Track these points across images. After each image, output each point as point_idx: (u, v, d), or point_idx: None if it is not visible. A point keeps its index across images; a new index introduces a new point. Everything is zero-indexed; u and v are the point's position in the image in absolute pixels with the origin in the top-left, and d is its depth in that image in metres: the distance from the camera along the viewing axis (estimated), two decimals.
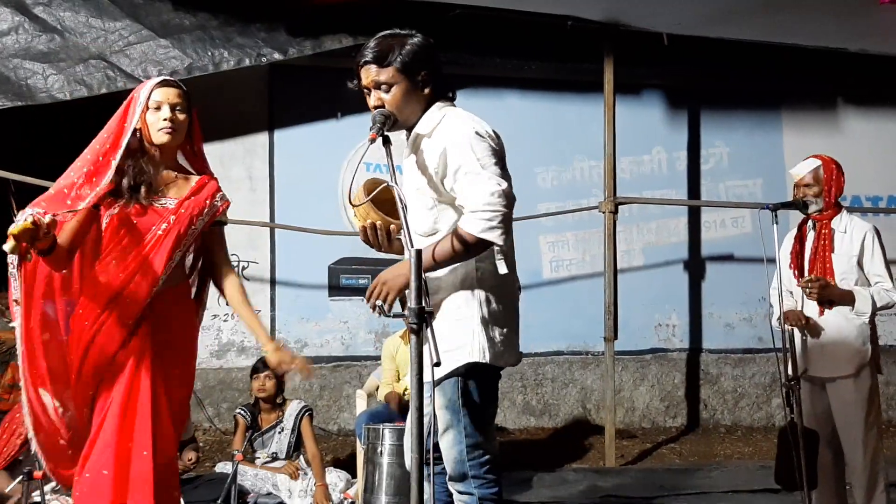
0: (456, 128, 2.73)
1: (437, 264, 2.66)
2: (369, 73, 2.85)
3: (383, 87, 2.80)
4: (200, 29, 5.97)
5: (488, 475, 2.77)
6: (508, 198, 2.62)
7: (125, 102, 2.99)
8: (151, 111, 2.97)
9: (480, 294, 2.75)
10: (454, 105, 2.88)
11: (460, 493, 2.80)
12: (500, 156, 2.75)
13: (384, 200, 2.69)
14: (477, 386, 2.76)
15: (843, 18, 5.96)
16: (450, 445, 2.78)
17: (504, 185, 2.63)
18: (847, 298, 3.86)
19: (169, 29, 5.91)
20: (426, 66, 2.81)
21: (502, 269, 2.74)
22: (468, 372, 2.73)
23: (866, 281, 3.91)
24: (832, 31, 6.31)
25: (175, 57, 5.92)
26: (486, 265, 2.75)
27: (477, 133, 2.72)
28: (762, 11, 5.93)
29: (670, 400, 7.57)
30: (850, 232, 3.92)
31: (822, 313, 3.93)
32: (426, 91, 2.80)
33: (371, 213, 2.70)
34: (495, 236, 2.59)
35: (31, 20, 5.65)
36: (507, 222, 2.62)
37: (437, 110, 2.81)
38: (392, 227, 2.70)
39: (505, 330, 2.81)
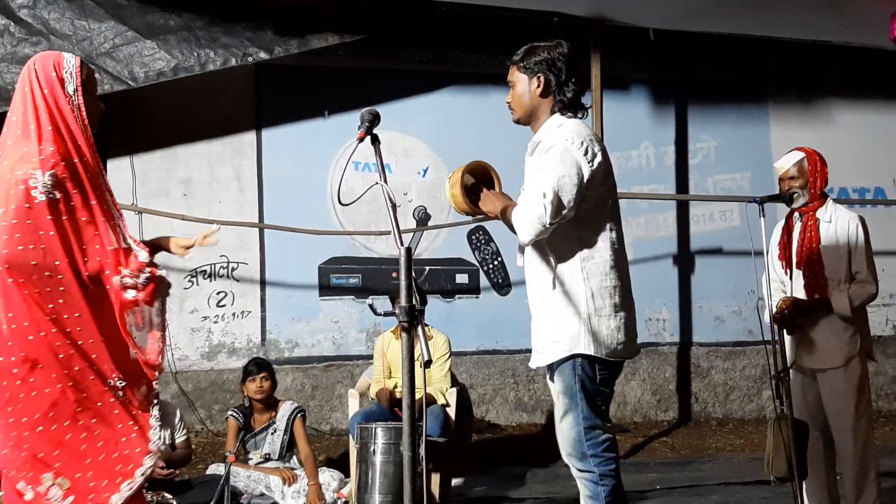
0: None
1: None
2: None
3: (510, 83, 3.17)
4: (186, 29, 5.96)
5: (605, 453, 3.02)
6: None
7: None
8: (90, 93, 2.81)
9: (588, 289, 3.00)
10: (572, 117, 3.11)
11: (581, 471, 3.03)
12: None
13: (477, 173, 3.20)
14: (591, 373, 3.01)
15: (826, 11, 5.99)
16: (569, 427, 3.03)
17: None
18: (824, 305, 3.90)
19: (154, 30, 5.89)
20: (547, 71, 3.07)
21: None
22: (584, 359, 2.99)
23: (850, 273, 3.93)
24: (816, 23, 6.35)
25: (161, 58, 5.90)
26: (591, 263, 3.00)
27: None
28: (746, 5, 5.95)
29: (662, 394, 7.60)
30: (834, 221, 3.95)
31: (810, 303, 3.96)
32: (545, 96, 3.09)
33: (458, 194, 3.12)
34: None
35: (17, 23, 5.62)
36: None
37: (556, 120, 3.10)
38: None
39: (612, 325, 3.02)
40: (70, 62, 2.76)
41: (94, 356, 2.68)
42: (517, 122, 3.21)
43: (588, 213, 3.00)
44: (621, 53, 6.78)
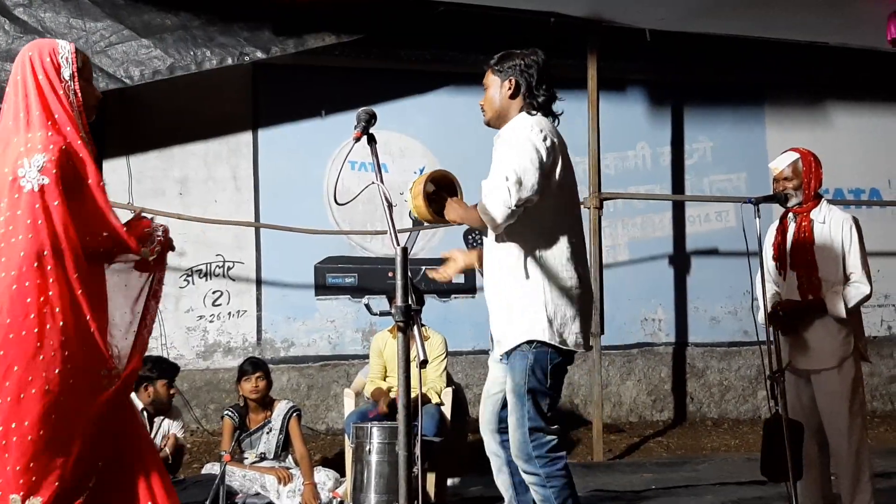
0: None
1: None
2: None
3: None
4: (182, 28, 5.95)
5: (551, 454, 3.04)
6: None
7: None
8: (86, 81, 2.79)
9: (545, 280, 3.05)
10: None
11: (527, 472, 3.06)
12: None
13: (439, 182, 3.23)
14: (543, 370, 3.04)
15: (823, 12, 6.00)
16: (514, 428, 3.07)
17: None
18: (819, 306, 3.91)
19: (150, 29, 5.88)
20: (519, 75, 3.15)
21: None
22: (535, 358, 3.02)
23: (844, 274, 3.94)
24: (813, 24, 6.36)
25: (157, 57, 5.89)
26: (549, 255, 3.07)
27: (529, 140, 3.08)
28: (743, 6, 5.96)
29: (657, 394, 7.61)
30: (828, 222, 3.96)
31: (804, 304, 3.97)
32: (514, 97, 3.17)
33: (421, 205, 3.16)
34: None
35: (12, 21, 5.61)
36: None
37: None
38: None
39: (568, 314, 3.06)
40: (65, 48, 2.73)
41: (83, 349, 2.57)
42: (487, 123, 3.28)
43: (546, 206, 3.07)
44: (618, 54, 6.79)
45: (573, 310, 3.08)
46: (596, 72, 6.36)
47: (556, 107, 3.24)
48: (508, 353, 3.11)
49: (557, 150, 3.09)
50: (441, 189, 3.25)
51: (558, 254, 3.08)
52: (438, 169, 3.32)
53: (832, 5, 5.87)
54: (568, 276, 3.08)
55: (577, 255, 3.14)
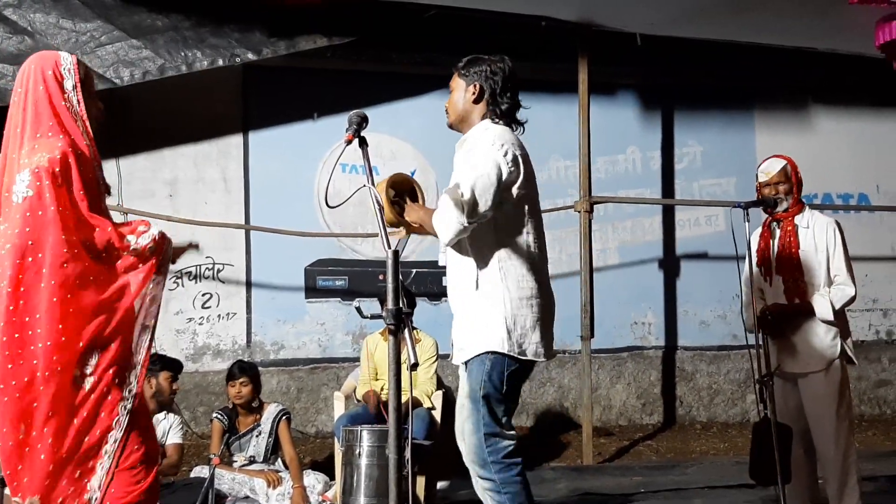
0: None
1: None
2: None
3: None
4: (173, 29, 5.94)
5: (507, 459, 3.02)
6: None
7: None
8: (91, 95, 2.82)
9: (506, 290, 3.04)
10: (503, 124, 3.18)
11: (482, 478, 3.03)
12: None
13: (400, 186, 3.23)
14: (500, 376, 3.03)
15: (812, 18, 6.04)
16: (469, 433, 3.06)
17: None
18: (807, 310, 3.94)
19: (141, 29, 5.87)
20: (483, 81, 3.15)
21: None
22: (492, 365, 3.00)
23: (829, 277, 3.97)
24: (802, 30, 6.39)
25: (147, 57, 5.87)
26: (509, 265, 3.06)
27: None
28: (733, 11, 5.99)
29: (647, 397, 7.63)
30: (812, 227, 4.00)
31: (791, 308, 3.99)
32: (477, 103, 3.18)
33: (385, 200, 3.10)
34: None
35: (2, 22, 5.58)
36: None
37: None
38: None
39: (528, 324, 3.05)
40: (67, 60, 2.75)
41: (54, 357, 2.59)
42: (450, 126, 3.30)
43: (506, 217, 3.08)
44: (609, 58, 6.80)
45: (532, 320, 3.07)
46: (587, 76, 6.37)
47: (522, 115, 3.25)
48: (466, 362, 3.12)
49: (520, 163, 3.09)
50: (402, 194, 3.26)
51: (518, 264, 3.08)
52: (399, 172, 3.33)
53: (821, 11, 5.90)
54: (528, 286, 3.08)
55: (538, 265, 3.14)
